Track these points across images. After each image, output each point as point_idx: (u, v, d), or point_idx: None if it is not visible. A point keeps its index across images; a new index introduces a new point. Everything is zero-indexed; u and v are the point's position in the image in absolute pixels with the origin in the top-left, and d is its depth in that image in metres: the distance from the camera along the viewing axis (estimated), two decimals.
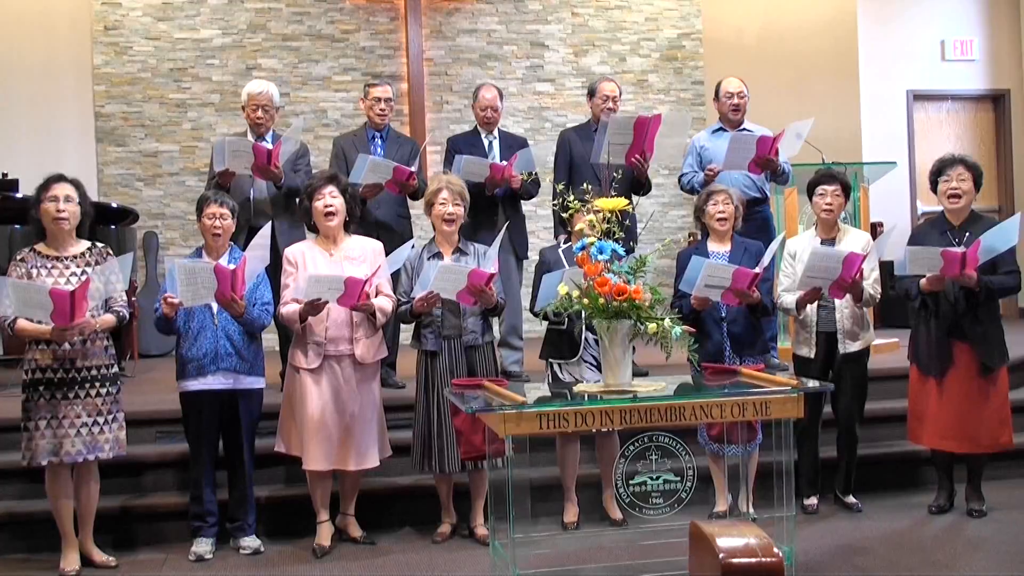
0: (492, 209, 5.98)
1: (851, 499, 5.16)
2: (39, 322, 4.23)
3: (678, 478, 3.79)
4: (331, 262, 4.61)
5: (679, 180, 6.32)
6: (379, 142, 6.08)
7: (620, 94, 6.30)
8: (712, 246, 4.93)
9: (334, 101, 9.34)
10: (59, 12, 8.97)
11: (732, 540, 3.21)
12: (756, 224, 5.89)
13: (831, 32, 9.37)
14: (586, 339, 4.72)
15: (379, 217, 5.90)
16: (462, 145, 6.13)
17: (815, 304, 4.95)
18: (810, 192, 5.10)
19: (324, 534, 4.70)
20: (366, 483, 4.92)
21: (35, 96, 8.78)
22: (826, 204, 4.99)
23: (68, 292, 4.09)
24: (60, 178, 4.44)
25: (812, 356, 5.03)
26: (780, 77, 9.30)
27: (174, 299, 4.36)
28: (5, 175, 7.01)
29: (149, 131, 9.09)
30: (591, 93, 6.32)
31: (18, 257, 4.40)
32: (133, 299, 4.64)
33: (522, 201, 6.31)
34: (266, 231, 4.53)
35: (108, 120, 9.04)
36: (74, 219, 4.42)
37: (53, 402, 4.33)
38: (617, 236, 3.92)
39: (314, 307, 4.42)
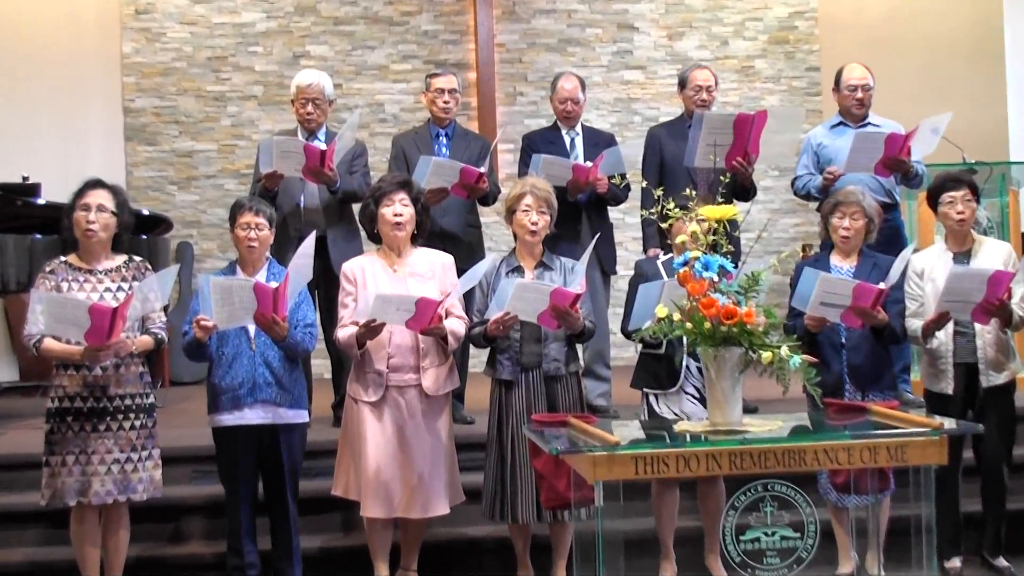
0: (575, 217, 5.99)
1: (1001, 562, 5.05)
2: (68, 341, 4.33)
3: (797, 534, 3.75)
4: (395, 279, 4.65)
5: (792, 184, 6.27)
6: (444, 140, 6.14)
7: (717, 83, 6.29)
8: (835, 260, 4.89)
9: (392, 93, 9.46)
10: None
11: None
12: (884, 234, 5.76)
13: (972, 9, 9.22)
14: (687, 367, 4.71)
15: (445, 226, 5.93)
16: (540, 143, 6.16)
17: (950, 330, 4.87)
18: (933, 200, 5.02)
19: None
20: (431, 533, 4.94)
21: (58, 89, 8.97)
22: (957, 213, 4.92)
23: (110, 309, 4.18)
24: (97, 184, 4.54)
25: (950, 392, 4.95)
26: (911, 62, 9.17)
27: (208, 321, 4.40)
28: (26, 179, 7.19)
29: (184, 128, 9.29)
30: (682, 84, 6.32)
31: (47, 269, 4.51)
32: (166, 319, 4.72)
33: (609, 208, 6.31)
34: (310, 243, 4.58)
35: (138, 116, 9.26)
36: (106, 230, 4.51)
37: (82, 435, 4.41)
38: (725, 250, 3.89)
39: (371, 329, 4.46)
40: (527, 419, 4.49)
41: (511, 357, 4.69)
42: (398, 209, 4.68)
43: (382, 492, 4.56)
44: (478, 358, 6.11)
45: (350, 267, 4.77)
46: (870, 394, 4.70)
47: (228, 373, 4.62)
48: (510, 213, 4.78)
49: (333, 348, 5.31)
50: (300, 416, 4.75)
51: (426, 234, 4.90)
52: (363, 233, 5.05)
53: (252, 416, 4.62)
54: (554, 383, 4.70)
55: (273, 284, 4.43)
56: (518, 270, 4.74)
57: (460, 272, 4.76)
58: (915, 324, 4.86)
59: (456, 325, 4.66)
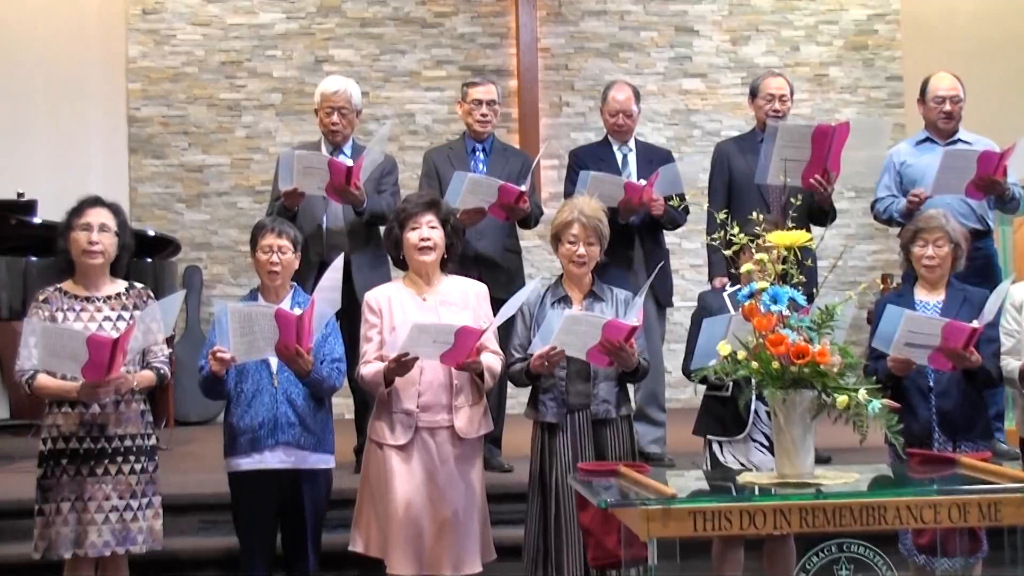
0: (627, 242, 6.01)
1: None
2: (63, 377, 4.37)
3: None
4: (424, 308, 4.67)
5: (872, 206, 6.27)
6: (481, 156, 6.18)
7: (792, 93, 6.29)
8: (920, 294, 4.87)
9: (424, 102, 9.52)
10: None
11: None
12: (976, 265, 5.74)
13: None
14: (756, 412, 4.70)
15: (481, 250, 5.97)
16: (588, 159, 6.19)
17: None
18: None
19: None
20: None
21: (56, 96, 9.07)
22: None
23: (110, 340, 4.21)
24: (96, 201, 4.60)
25: None
26: (1006, 71, 9.12)
27: (225, 353, 4.43)
28: (21, 195, 7.27)
29: (194, 139, 9.40)
30: (753, 93, 6.33)
31: (41, 297, 4.55)
32: (170, 351, 4.75)
33: (665, 232, 6.31)
34: (338, 266, 4.59)
35: (144, 125, 9.37)
36: (109, 253, 4.57)
37: (78, 479, 4.44)
38: (796, 281, 3.88)
39: (402, 364, 4.46)
40: (573, 467, 4.49)
41: (556, 397, 4.69)
42: (425, 233, 4.69)
43: (411, 546, 4.55)
44: (517, 398, 6.12)
45: (374, 296, 4.78)
46: (962, 444, 4.68)
47: (247, 412, 4.64)
48: (555, 240, 4.79)
49: (356, 386, 5.31)
50: (325, 461, 4.76)
51: (456, 259, 4.92)
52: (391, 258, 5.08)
53: (273, 460, 4.63)
54: (603, 427, 4.69)
55: (297, 311, 4.45)
56: (565, 300, 4.75)
57: (497, 303, 4.75)
58: (1012, 364, 4.81)
59: (492, 361, 4.66)
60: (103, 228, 4.54)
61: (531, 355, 4.59)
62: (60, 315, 4.48)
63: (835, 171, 5.51)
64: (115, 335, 4.30)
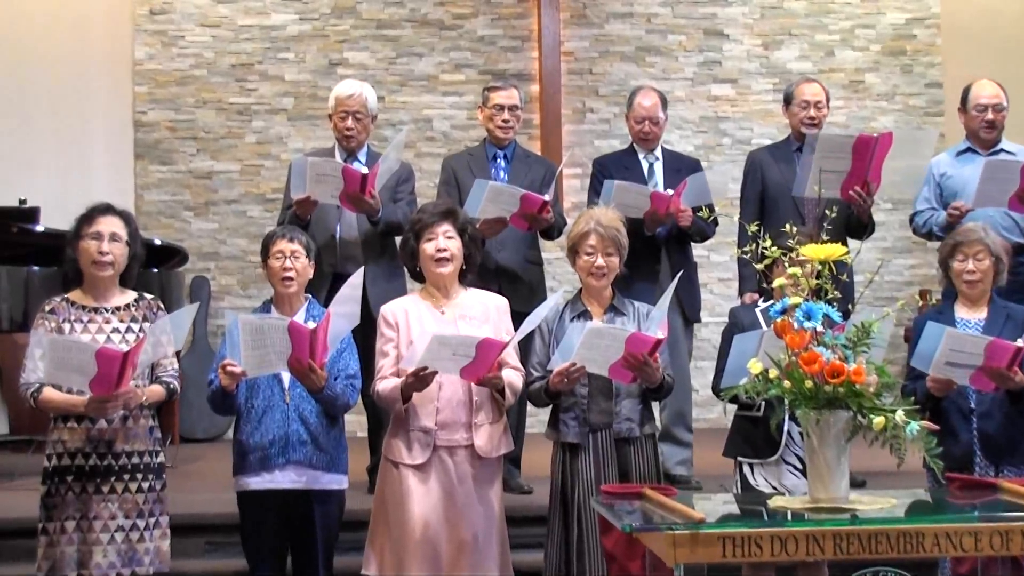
0: (653, 254, 6.03)
1: None
2: (70, 390, 4.38)
3: None
4: (443, 321, 4.67)
5: (911, 219, 6.26)
6: (502, 163, 6.19)
7: (828, 100, 6.29)
8: (961, 311, 4.87)
9: (442, 107, 9.53)
10: None
11: None
12: (1020, 280, 5.74)
13: None
14: (788, 433, 4.70)
15: (501, 262, 5.99)
16: (613, 168, 6.20)
17: None
18: None
19: None
20: None
21: (59, 99, 9.11)
22: None
23: (120, 353, 4.22)
24: (107, 209, 4.60)
25: None
26: None
27: (235, 367, 4.44)
28: (23, 202, 7.29)
29: (202, 145, 9.42)
30: (787, 100, 6.34)
31: (47, 308, 4.55)
32: (177, 366, 4.76)
33: (692, 244, 6.32)
34: (357, 280, 4.58)
35: (150, 130, 9.40)
36: (119, 263, 4.57)
37: (83, 497, 4.44)
38: (831, 296, 3.89)
39: (420, 379, 4.45)
40: (596, 489, 4.49)
41: (577, 416, 4.69)
42: (441, 243, 4.69)
43: (427, 569, 4.55)
44: (537, 417, 6.12)
45: (390, 310, 4.78)
46: (1005, 468, 4.68)
47: (257, 429, 4.66)
48: (572, 253, 4.80)
49: (371, 403, 5.33)
50: (338, 481, 4.77)
51: (475, 270, 4.91)
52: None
53: (283, 479, 4.65)
54: (626, 446, 4.69)
55: (311, 324, 4.45)
56: (584, 315, 4.75)
57: (518, 317, 4.77)
58: None
59: (513, 376, 4.67)
60: (114, 237, 4.54)
61: (550, 372, 4.60)
62: (67, 326, 4.49)
63: (876, 183, 5.51)
64: (124, 347, 4.31)
